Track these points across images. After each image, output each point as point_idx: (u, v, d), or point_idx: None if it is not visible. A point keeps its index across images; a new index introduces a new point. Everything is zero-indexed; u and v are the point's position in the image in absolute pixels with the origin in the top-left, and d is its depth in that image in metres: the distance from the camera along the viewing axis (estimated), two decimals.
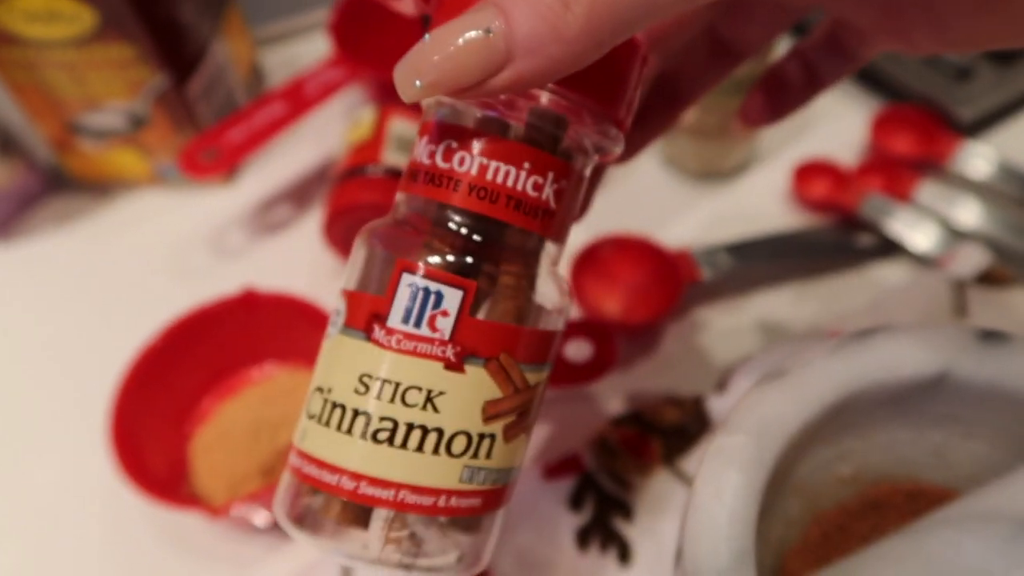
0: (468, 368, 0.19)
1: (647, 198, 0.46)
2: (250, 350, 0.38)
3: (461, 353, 0.19)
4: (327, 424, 0.20)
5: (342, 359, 0.20)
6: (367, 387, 0.19)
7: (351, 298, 0.20)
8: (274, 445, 0.35)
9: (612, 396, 0.37)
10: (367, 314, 0.19)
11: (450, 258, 0.19)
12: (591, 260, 0.40)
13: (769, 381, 0.22)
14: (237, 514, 0.31)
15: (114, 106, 0.44)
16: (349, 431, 0.19)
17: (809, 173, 0.45)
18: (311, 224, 0.46)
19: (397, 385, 0.19)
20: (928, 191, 0.43)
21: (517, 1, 0.15)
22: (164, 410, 0.36)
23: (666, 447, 0.34)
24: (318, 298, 0.36)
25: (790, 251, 0.41)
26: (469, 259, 0.19)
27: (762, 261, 0.41)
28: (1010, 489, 0.19)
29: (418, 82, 0.16)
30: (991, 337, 0.22)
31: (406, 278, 0.19)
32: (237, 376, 0.38)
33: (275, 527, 0.34)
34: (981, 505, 0.20)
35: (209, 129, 0.45)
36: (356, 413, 0.19)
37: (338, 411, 0.19)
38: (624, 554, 0.31)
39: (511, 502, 0.27)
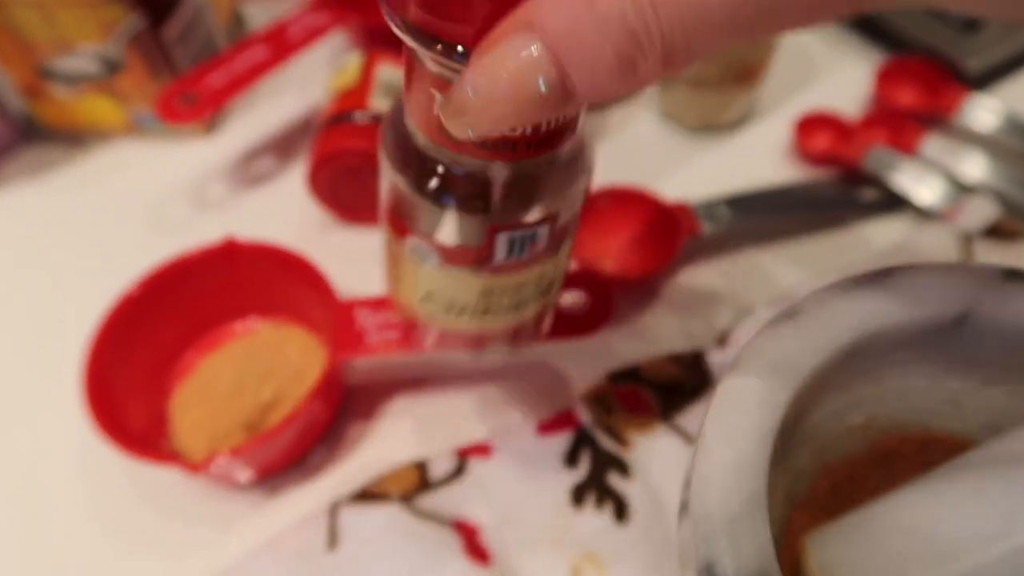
0: (560, 251, 0.24)
1: (644, 152, 0.45)
2: (232, 302, 0.36)
3: (554, 248, 0.23)
4: (459, 315, 0.25)
5: (454, 283, 0.23)
6: (490, 297, 0.24)
7: (442, 249, 0.22)
8: (257, 400, 0.33)
9: (609, 351, 0.36)
10: (469, 259, 0.22)
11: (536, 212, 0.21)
12: (588, 212, 0.39)
13: (782, 320, 0.20)
14: (218, 469, 0.30)
15: (86, 49, 0.42)
16: (483, 315, 0.25)
17: (811, 126, 0.43)
18: (295, 175, 0.44)
19: (518, 288, 0.23)
20: (934, 144, 0.42)
21: (569, 43, 0.13)
22: (142, 364, 0.34)
23: (664, 403, 0.32)
24: (304, 251, 0.35)
25: (792, 205, 0.40)
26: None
27: (763, 215, 0.39)
28: None
29: (471, 131, 0.16)
30: (1015, 276, 0.21)
31: (503, 236, 0.21)
32: (219, 330, 0.37)
33: (258, 484, 0.32)
34: (1004, 450, 0.19)
35: (187, 73, 0.43)
36: (486, 310, 0.24)
37: (467, 312, 0.24)
38: (621, 511, 0.30)
39: (506, 460, 0.31)
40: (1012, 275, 0.21)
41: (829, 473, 0.23)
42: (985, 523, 0.17)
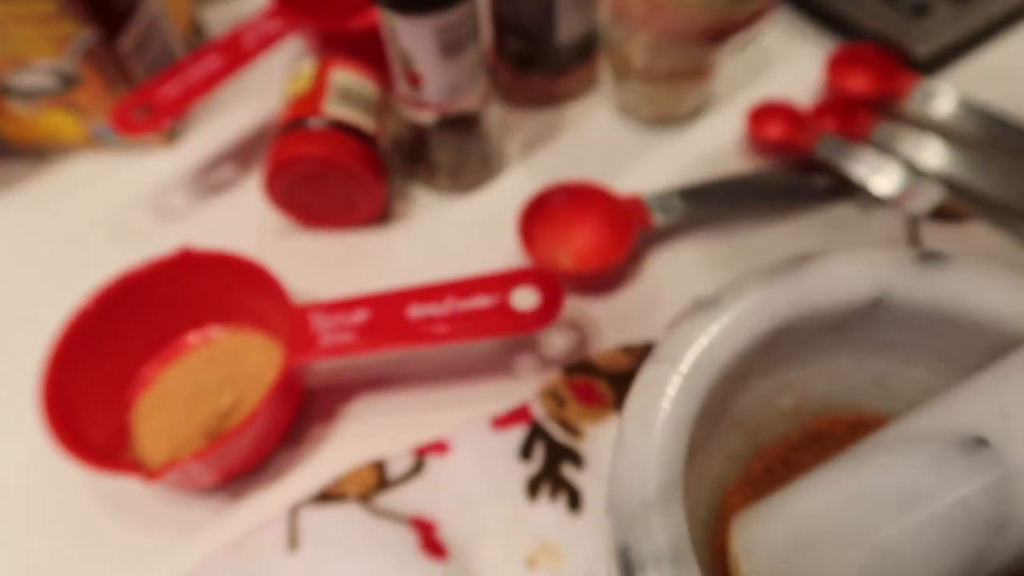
0: None
1: (601, 147, 0.45)
2: (191, 312, 0.37)
3: None
4: None
5: None
6: None
7: None
8: (216, 407, 0.34)
9: (564, 346, 0.36)
10: None
11: None
12: (541, 209, 0.39)
13: (701, 310, 0.21)
14: (174, 477, 0.30)
15: (41, 64, 0.42)
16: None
17: (764, 115, 0.44)
18: (255, 183, 0.44)
19: None
20: (885, 130, 0.42)
21: None
22: (103, 377, 0.34)
23: (617, 394, 0.33)
24: (265, 258, 0.35)
25: (745, 194, 0.41)
26: None
27: (716, 205, 0.40)
28: (942, 409, 0.19)
29: None
30: (929, 258, 0.21)
31: None
32: (180, 340, 0.37)
33: (219, 489, 0.33)
34: (914, 427, 0.19)
35: (142, 85, 0.44)
36: None
37: None
38: (574, 501, 0.30)
39: (463, 456, 0.31)
40: (924, 257, 0.21)
41: (762, 456, 0.23)
42: (892, 499, 0.18)
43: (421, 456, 0.32)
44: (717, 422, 0.21)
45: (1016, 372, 0.17)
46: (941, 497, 0.17)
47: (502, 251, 0.40)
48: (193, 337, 0.37)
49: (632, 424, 0.19)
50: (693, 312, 0.21)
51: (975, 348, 0.21)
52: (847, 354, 0.23)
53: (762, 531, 0.20)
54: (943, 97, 0.43)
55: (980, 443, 0.17)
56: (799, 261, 0.21)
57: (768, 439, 0.24)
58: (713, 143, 0.45)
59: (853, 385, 0.23)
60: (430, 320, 0.33)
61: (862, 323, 0.22)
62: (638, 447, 0.18)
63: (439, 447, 0.32)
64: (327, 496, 0.31)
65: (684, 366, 0.20)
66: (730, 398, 0.22)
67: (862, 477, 0.19)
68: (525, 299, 0.33)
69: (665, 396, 0.19)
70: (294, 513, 0.31)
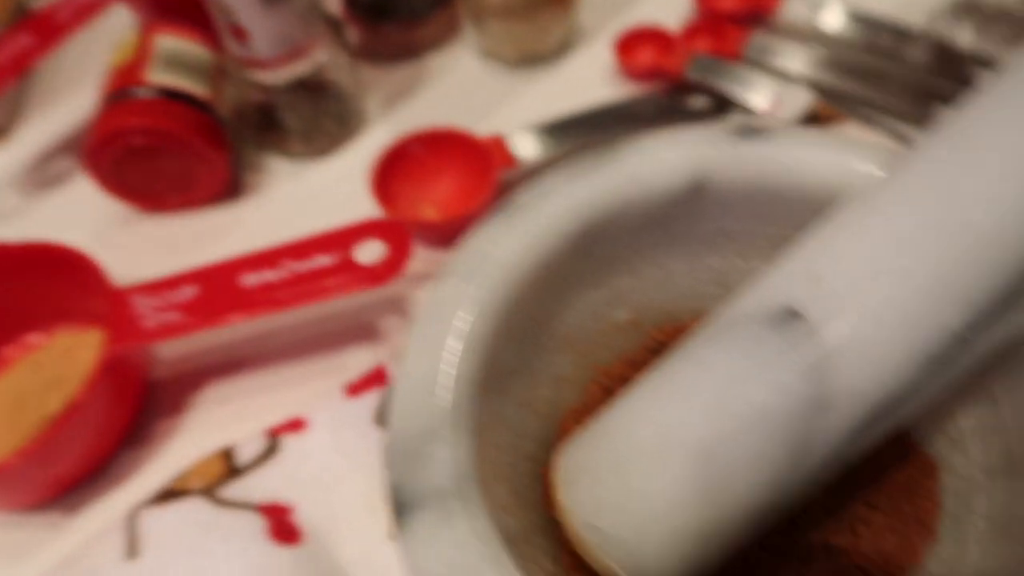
0: None
1: (466, 94, 0.42)
2: (11, 318, 0.33)
3: None
4: None
5: None
6: None
7: None
8: (43, 410, 0.30)
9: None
10: None
11: None
12: (399, 160, 0.36)
13: (500, 215, 0.18)
14: None
15: None
16: None
17: (633, 43, 0.42)
18: None
19: None
20: (756, 45, 0.40)
21: None
22: None
23: None
24: (104, 250, 0.31)
25: (612, 122, 0.38)
26: None
27: (585, 136, 0.37)
28: (754, 288, 0.16)
29: None
30: (749, 132, 0.19)
31: None
32: (3, 353, 0.33)
33: (53, 502, 0.29)
34: (729, 313, 0.17)
35: None
36: None
37: None
38: None
39: (319, 431, 0.28)
40: (743, 132, 0.19)
41: (600, 377, 0.21)
42: (707, 397, 0.15)
43: (275, 437, 0.29)
44: (537, 341, 0.19)
45: (826, 232, 0.15)
46: (757, 384, 0.15)
47: (364, 213, 0.37)
48: (15, 348, 0.33)
49: (415, 347, 0.16)
50: (491, 218, 0.18)
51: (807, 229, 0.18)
52: (678, 253, 0.20)
53: (582, 455, 0.17)
54: (811, 5, 0.41)
55: (792, 316, 0.15)
56: (606, 152, 0.19)
57: (606, 358, 0.21)
58: (582, 76, 0.42)
59: (692, 288, 0.21)
60: (267, 287, 0.29)
61: (687, 213, 0.19)
62: (419, 372, 0.16)
63: (295, 425, 0.29)
64: (169, 494, 0.28)
65: (478, 279, 0.17)
66: (549, 313, 0.19)
67: (676, 379, 0.16)
68: (370, 252, 0.30)
69: (455, 314, 0.17)
70: (132, 518, 0.27)
